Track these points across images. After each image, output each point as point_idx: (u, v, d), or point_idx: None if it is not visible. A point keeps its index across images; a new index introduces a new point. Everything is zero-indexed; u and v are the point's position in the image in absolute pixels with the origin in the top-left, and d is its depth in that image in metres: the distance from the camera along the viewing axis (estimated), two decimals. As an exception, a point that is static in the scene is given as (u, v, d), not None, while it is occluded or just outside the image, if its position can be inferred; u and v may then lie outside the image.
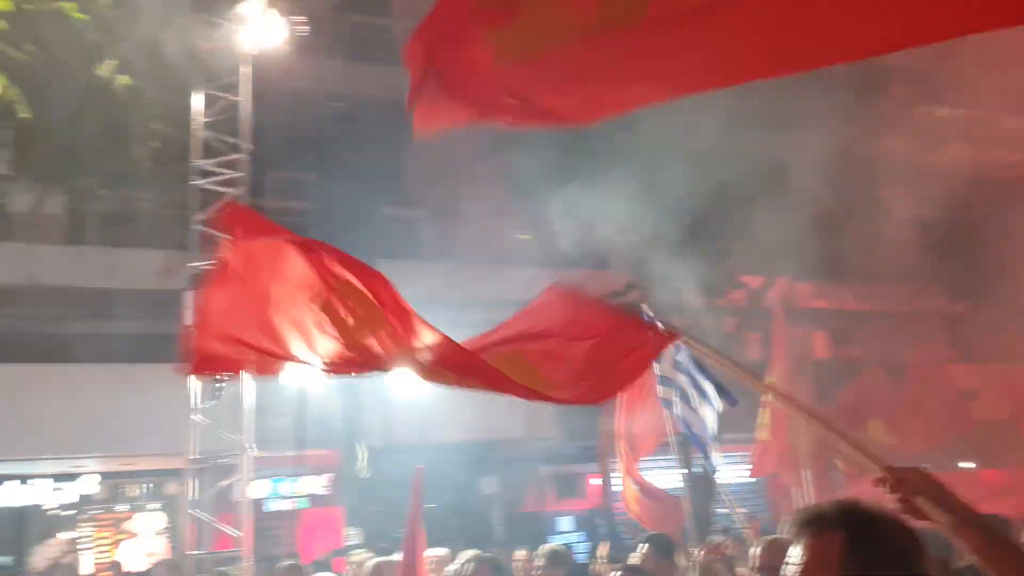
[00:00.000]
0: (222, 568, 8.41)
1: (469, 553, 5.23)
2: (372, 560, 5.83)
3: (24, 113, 8.12)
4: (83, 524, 15.61)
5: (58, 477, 14.71)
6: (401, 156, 14.28)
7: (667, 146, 10.17)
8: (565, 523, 16.22)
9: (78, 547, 14.62)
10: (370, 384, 12.19)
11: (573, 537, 15.08)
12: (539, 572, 5.81)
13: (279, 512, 14.45)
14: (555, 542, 7.04)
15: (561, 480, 16.38)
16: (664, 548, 5.72)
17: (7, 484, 14.48)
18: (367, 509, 13.91)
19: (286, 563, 7.54)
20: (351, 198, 12.82)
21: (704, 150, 10.11)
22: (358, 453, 10.10)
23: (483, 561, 4.83)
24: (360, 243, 10.63)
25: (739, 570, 6.56)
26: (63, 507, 15.33)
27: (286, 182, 16.69)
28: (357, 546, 10.82)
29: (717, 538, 8.50)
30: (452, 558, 7.50)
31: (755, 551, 4.24)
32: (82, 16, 8.31)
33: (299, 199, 16.19)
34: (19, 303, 15.32)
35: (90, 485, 15.02)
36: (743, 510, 7.86)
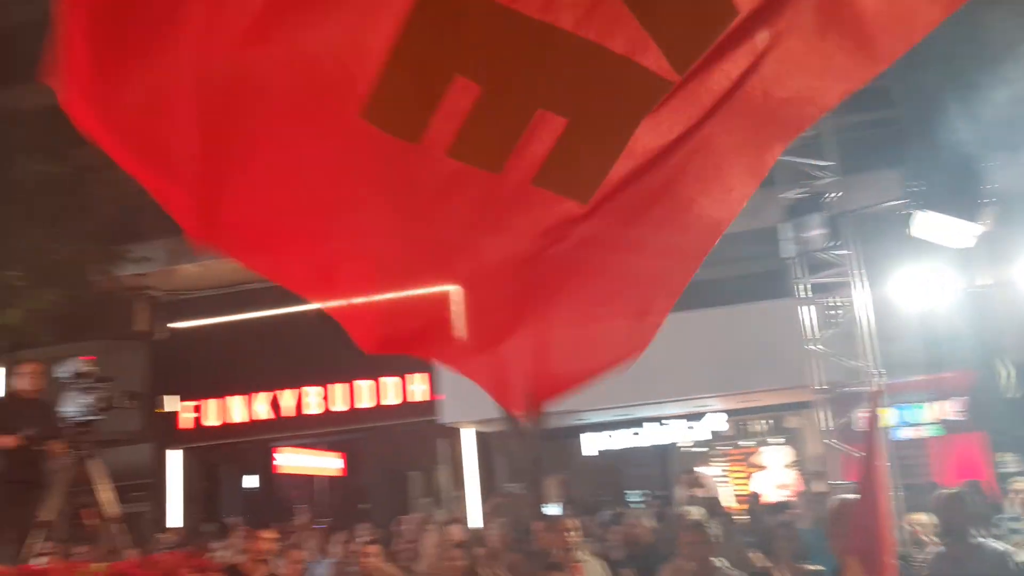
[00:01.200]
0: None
1: None
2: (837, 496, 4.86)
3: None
4: (716, 459, 16.78)
5: (688, 417, 15.94)
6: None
7: None
8: None
9: (715, 480, 15.71)
10: (1005, 291, 10.76)
11: None
12: None
13: (909, 441, 13.71)
14: None
15: None
16: None
17: (647, 426, 16.17)
18: (1015, 433, 12.38)
19: (947, 491, 6.94)
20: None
21: None
22: (1000, 371, 8.98)
23: None
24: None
25: None
26: (696, 444, 16.64)
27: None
28: (1016, 473, 9.68)
29: None
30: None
31: None
32: None
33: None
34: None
35: (718, 423, 16.01)
36: None
